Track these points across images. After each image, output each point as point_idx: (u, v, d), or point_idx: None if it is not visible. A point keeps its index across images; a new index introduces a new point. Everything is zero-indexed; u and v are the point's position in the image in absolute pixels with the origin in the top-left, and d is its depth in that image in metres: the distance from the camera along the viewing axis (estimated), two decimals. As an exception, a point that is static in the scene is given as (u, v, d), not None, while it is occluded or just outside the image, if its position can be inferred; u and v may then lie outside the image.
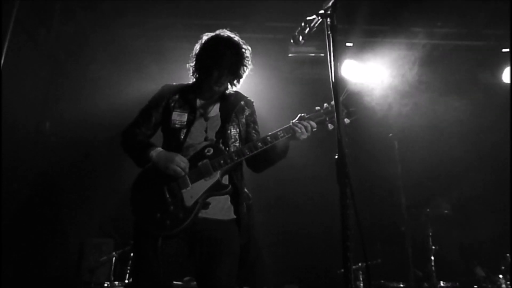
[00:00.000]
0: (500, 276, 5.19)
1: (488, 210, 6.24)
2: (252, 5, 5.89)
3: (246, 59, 2.86)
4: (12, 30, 4.42)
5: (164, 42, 6.52)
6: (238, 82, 2.90)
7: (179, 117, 2.80)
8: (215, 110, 2.92)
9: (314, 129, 2.80)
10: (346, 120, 2.81)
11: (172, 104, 2.85)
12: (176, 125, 2.78)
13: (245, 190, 2.92)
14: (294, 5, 5.56)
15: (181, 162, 2.62)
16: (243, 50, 2.85)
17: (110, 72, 6.87)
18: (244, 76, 2.89)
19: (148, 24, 6.32)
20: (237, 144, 2.85)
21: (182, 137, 2.75)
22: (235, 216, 2.77)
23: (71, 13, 6.02)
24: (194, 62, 2.89)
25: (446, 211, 5.59)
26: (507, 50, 6.61)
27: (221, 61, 2.75)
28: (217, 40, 2.85)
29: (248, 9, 5.93)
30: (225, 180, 2.76)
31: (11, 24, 4.39)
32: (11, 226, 5.38)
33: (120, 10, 6.08)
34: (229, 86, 2.91)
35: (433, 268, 5.24)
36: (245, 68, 2.86)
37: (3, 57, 4.27)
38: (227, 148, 2.77)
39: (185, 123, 2.79)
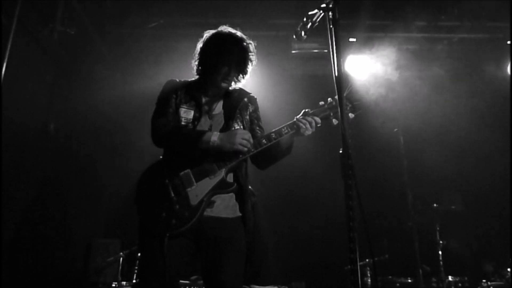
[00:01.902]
0: (508, 269, 5.15)
1: (496, 204, 6.20)
2: (254, 3, 5.89)
3: (252, 54, 2.85)
4: (15, 32, 4.42)
5: (167, 42, 6.53)
6: (243, 78, 2.88)
7: (186, 114, 2.78)
8: (218, 108, 2.90)
9: (318, 125, 2.78)
10: (351, 115, 2.78)
11: (178, 101, 2.83)
12: (182, 122, 2.76)
13: (250, 187, 2.90)
14: (296, 1, 5.54)
15: (244, 134, 2.64)
16: (249, 45, 2.85)
17: (114, 72, 6.88)
18: (249, 71, 2.88)
19: (150, 23, 6.32)
20: (241, 141, 2.83)
21: None
22: (240, 214, 2.76)
23: (74, 14, 6.02)
24: (199, 59, 2.87)
25: (456, 208, 5.56)
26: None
27: (229, 57, 2.74)
28: (222, 37, 2.83)
29: (250, 7, 5.93)
30: (230, 178, 2.75)
31: (14, 26, 4.39)
32: (18, 226, 5.41)
33: (122, 10, 6.08)
34: (233, 82, 2.89)
35: (441, 263, 5.22)
36: (251, 63, 2.86)
37: (6, 59, 4.27)
38: (231, 146, 2.74)
39: (191, 120, 2.77)
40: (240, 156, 2.68)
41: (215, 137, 2.62)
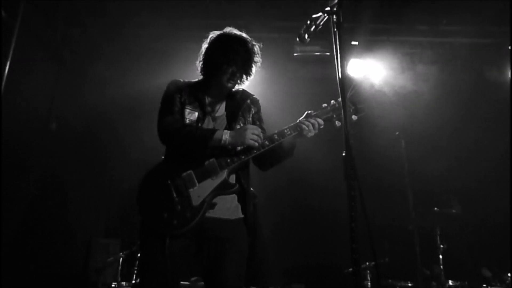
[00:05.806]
0: (509, 274, 5.14)
1: (497, 208, 6.19)
2: (257, 4, 5.89)
3: (257, 55, 2.86)
4: (18, 31, 4.44)
5: (169, 42, 6.54)
6: (247, 79, 2.88)
7: (190, 115, 2.78)
8: (221, 110, 2.91)
9: (321, 126, 2.78)
10: (354, 117, 2.78)
11: (183, 101, 2.82)
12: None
13: (252, 189, 2.90)
14: (299, 4, 5.55)
15: (254, 130, 2.66)
16: (254, 46, 2.86)
17: (115, 72, 6.89)
18: (253, 73, 2.88)
19: (153, 24, 6.33)
20: (244, 143, 2.83)
21: None
22: (242, 215, 2.76)
23: (76, 14, 6.04)
24: (204, 59, 2.87)
25: (455, 211, 5.55)
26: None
27: (235, 57, 2.75)
28: (229, 37, 2.85)
29: (253, 9, 5.93)
30: (232, 179, 2.75)
31: (17, 25, 4.40)
32: (19, 225, 5.41)
33: (125, 10, 6.09)
34: (238, 83, 2.88)
35: (441, 267, 5.21)
36: (256, 64, 2.86)
37: (9, 57, 4.29)
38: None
39: (195, 121, 2.77)
40: (243, 157, 2.68)
41: (226, 135, 2.63)
